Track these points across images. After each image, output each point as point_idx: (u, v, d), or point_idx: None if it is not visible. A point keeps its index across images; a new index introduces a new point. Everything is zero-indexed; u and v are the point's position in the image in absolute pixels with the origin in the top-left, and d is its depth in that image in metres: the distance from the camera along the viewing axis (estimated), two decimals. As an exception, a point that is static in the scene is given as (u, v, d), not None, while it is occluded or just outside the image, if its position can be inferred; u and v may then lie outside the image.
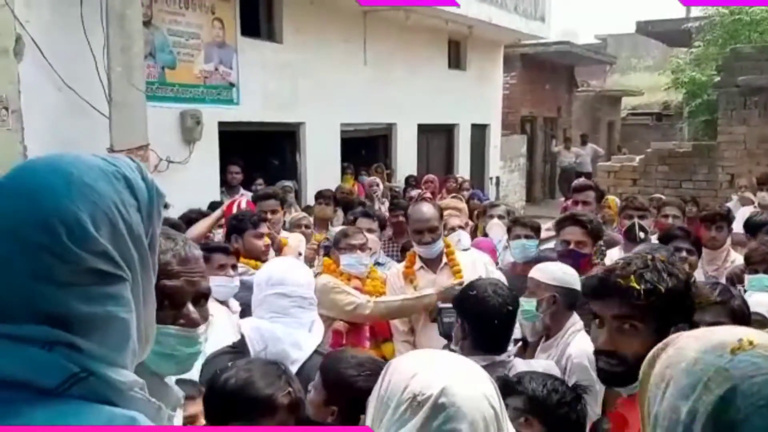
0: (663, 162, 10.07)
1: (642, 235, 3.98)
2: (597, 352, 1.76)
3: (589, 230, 3.57)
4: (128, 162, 0.98)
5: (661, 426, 0.93)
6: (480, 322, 2.43)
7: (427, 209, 3.64)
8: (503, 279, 3.22)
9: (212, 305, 2.79)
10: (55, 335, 0.85)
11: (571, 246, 3.53)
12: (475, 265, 3.58)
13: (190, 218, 4.09)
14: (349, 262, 3.51)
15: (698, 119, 12.57)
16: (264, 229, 3.76)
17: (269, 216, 3.99)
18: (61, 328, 0.86)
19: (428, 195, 6.92)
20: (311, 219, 5.35)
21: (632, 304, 1.66)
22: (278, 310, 2.45)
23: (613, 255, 4.05)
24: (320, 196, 6.11)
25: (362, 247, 3.56)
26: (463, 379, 1.30)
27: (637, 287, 1.65)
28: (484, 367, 2.48)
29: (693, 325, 1.63)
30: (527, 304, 2.83)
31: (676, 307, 1.67)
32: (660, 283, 1.65)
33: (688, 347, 0.94)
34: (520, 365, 2.44)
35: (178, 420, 1.45)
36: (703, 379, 0.88)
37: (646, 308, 1.65)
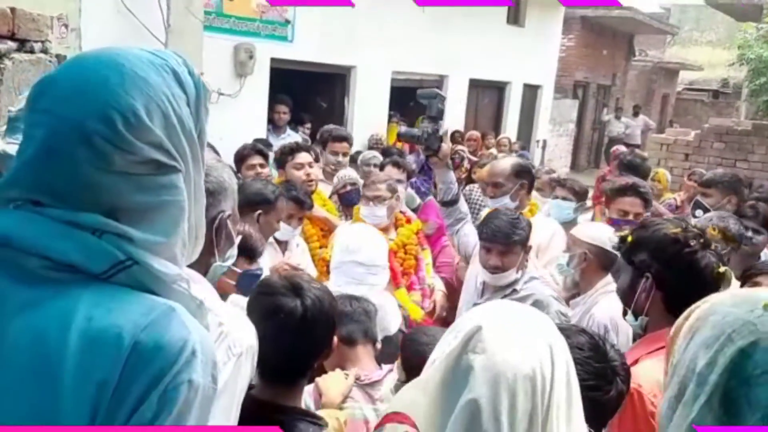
0: (719, 139, 9.71)
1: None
2: None
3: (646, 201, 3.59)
4: (175, 56, 1.00)
5: (678, 375, 0.92)
6: None
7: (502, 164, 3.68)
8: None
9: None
10: (105, 223, 0.89)
11: (630, 216, 3.49)
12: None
13: (243, 155, 4.00)
14: (365, 214, 3.55)
15: (761, 98, 12.10)
16: (302, 159, 3.84)
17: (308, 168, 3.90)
18: (113, 217, 0.89)
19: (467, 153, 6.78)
20: (380, 157, 5.21)
21: None
22: (355, 277, 2.64)
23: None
24: None
25: (376, 199, 3.54)
26: (508, 330, 1.14)
27: None
28: None
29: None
30: (561, 258, 2.96)
31: None
32: None
33: (723, 302, 0.93)
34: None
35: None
36: (728, 330, 0.86)
37: None
